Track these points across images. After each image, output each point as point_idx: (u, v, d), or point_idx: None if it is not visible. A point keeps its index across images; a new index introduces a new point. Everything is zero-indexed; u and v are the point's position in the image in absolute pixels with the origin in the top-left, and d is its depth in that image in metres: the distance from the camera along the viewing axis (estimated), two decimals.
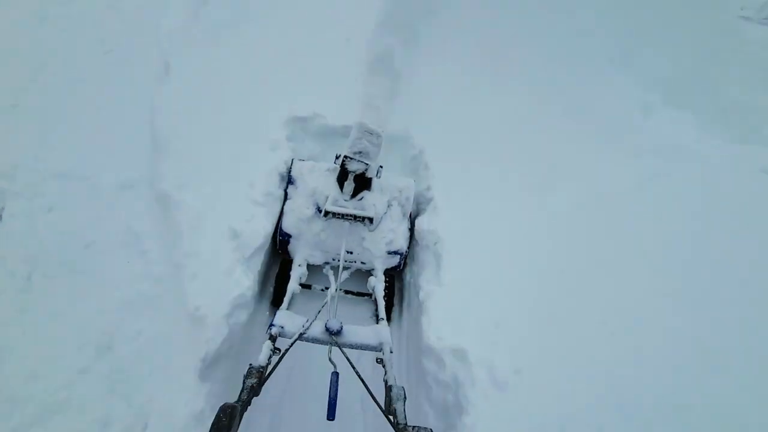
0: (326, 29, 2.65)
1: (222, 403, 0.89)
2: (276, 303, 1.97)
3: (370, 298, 2.06)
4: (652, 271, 1.79)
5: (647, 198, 2.07)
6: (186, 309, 1.60)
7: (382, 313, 1.58)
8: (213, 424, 0.81)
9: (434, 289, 1.73)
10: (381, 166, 1.82)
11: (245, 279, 1.68)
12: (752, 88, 2.73)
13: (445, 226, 1.92)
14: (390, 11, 2.56)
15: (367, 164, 1.75)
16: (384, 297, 1.81)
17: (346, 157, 1.75)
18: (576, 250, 1.86)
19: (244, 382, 1.09)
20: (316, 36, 2.62)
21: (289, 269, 1.93)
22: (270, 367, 1.17)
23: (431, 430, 0.98)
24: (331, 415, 1.20)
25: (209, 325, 1.55)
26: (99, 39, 2.72)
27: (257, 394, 1.07)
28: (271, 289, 2.04)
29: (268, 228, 1.86)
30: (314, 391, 1.68)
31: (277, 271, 2.05)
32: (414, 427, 0.97)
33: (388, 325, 1.62)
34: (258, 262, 1.83)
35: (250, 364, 1.15)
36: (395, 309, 2.11)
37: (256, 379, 1.09)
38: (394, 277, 2.07)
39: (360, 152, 1.74)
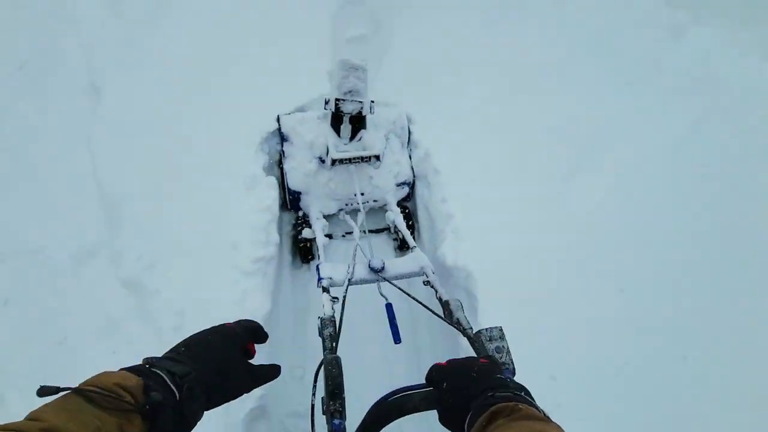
0: None
1: (321, 360, 0.94)
2: (303, 259, 2.03)
3: (388, 232, 2.14)
4: None
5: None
6: None
7: (412, 242, 1.65)
8: (327, 377, 0.86)
9: None
10: (372, 101, 1.77)
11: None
12: None
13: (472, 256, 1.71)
14: None
15: (360, 102, 1.70)
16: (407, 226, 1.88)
17: (337, 99, 1.69)
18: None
19: (321, 335, 1.14)
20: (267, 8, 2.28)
21: (302, 226, 1.96)
22: (337, 315, 1.23)
23: (500, 328, 1.05)
24: (397, 339, 1.31)
25: None
26: (10, 49, 2.24)
27: (337, 341, 1.14)
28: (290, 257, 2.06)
29: (267, 305, 1.55)
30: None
31: (293, 233, 2.06)
32: (486, 328, 1.04)
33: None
34: (262, 353, 1.34)
35: (319, 317, 1.21)
36: None
37: (332, 328, 1.15)
38: (408, 207, 2.12)
39: (350, 91, 1.68)
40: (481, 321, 1.55)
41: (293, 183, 1.90)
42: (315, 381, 0.92)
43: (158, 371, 0.59)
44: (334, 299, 1.31)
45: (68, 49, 2.24)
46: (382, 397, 0.74)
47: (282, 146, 1.95)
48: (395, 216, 1.89)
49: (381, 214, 2.10)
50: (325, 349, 1.08)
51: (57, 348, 1.55)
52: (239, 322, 0.75)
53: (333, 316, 1.20)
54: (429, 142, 2.07)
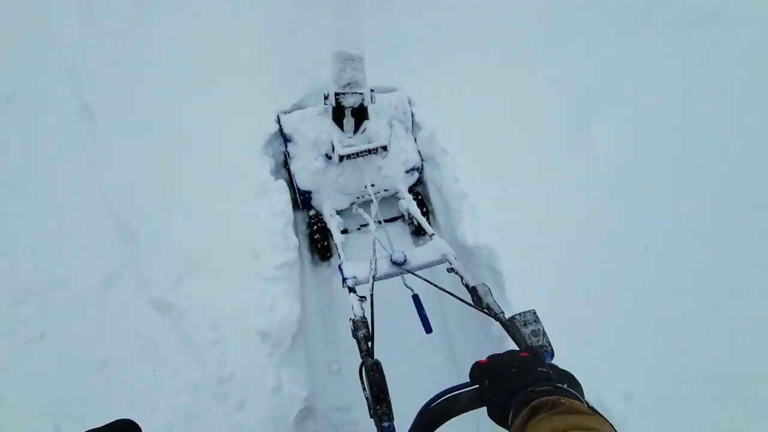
0: None
1: (360, 364, 0.95)
2: (322, 257, 2.03)
3: (403, 219, 2.14)
4: None
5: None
6: None
7: (429, 229, 1.64)
8: (371, 384, 0.87)
9: None
10: (372, 90, 1.73)
11: (298, 389, 1.45)
12: None
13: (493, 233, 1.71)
14: None
15: (360, 93, 1.66)
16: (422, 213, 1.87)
17: (337, 93, 1.66)
18: None
19: (356, 337, 1.15)
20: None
21: (316, 225, 1.96)
22: (367, 314, 1.24)
23: (534, 311, 1.05)
24: (428, 328, 1.32)
25: None
26: None
27: (373, 342, 1.15)
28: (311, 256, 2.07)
29: (296, 310, 1.56)
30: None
31: (308, 231, 2.06)
32: (519, 313, 1.05)
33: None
34: (300, 357, 1.58)
35: (351, 319, 1.22)
36: None
37: (365, 329, 1.17)
38: (420, 193, 2.11)
39: (349, 84, 1.64)
40: (509, 297, 1.56)
41: (302, 183, 1.89)
42: (363, 386, 0.94)
43: None
44: (362, 298, 1.32)
45: (52, 73, 2.18)
46: (429, 400, 0.74)
47: (286, 147, 1.93)
48: (408, 204, 1.88)
49: (393, 202, 2.10)
50: (361, 351, 1.09)
51: (100, 374, 1.58)
52: (110, 424, 0.76)
53: (364, 317, 1.21)
54: (432, 122, 2.04)
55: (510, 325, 1.06)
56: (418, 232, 2.10)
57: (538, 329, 1.03)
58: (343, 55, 1.60)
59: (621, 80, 2.04)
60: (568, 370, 0.72)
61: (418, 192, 2.10)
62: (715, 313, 1.55)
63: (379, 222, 1.76)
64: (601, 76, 2.06)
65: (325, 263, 2.05)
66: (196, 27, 2.21)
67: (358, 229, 2.09)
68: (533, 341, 1.01)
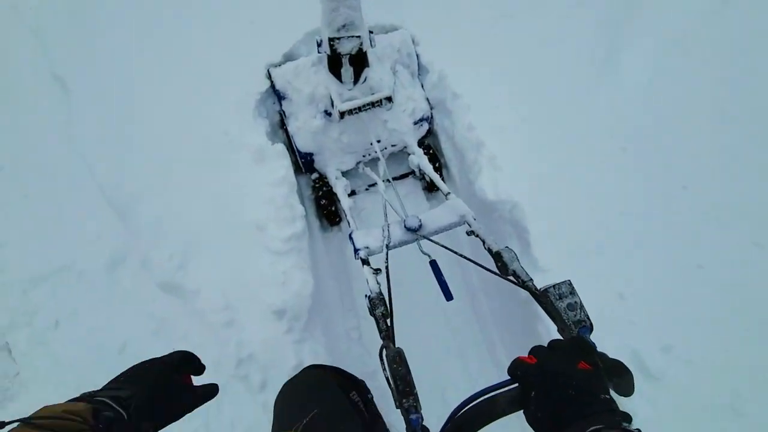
0: None
1: (380, 347, 0.87)
2: (331, 222, 1.93)
3: (413, 175, 1.99)
4: None
5: None
6: None
7: (445, 188, 1.50)
8: (394, 377, 0.79)
9: None
10: (371, 32, 1.51)
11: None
12: None
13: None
14: None
15: (358, 36, 1.45)
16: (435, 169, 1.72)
17: (331, 39, 1.44)
18: None
19: (374, 315, 1.07)
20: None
21: (322, 189, 1.83)
22: (383, 288, 1.15)
23: (569, 282, 0.94)
24: (448, 296, 1.23)
25: None
26: None
27: (392, 320, 1.07)
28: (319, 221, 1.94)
29: (310, 282, 1.48)
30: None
31: (313, 196, 1.94)
32: (553, 285, 0.94)
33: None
34: (318, 330, 1.51)
35: (367, 296, 1.13)
36: None
37: (383, 307, 1.08)
38: (431, 146, 1.94)
39: (344, 26, 1.42)
40: (536, 254, 1.45)
41: (302, 145, 1.74)
42: (383, 368, 0.87)
43: (102, 398, 0.61)
44: (377, 271, 1.22)
45: (19, 38, 2.00)
46: (461, 403, 0.64)
47: (281, 106, 1.75)
48: (419, 160, 1.73)
49: (402, 157, 1.94)
50: (380, 331, 1.01)
51: (121, 356, 1.57)
52: (173, 353, 0.78)
53: (380, 293, 1.12)
54: (441, 62, 1.83)
55: (543, 299, 0.96)
56: (431, 188, 1.96)
57: (575, 302, 0.93)
58: None
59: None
60: (619, 360, 0.62)
61: (429, 145, 1.93)
62: (762, 252, 1.43)
63: (388, 180, 1.62)
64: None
65: (335, 228, 1.95)
66: None
67: (367, 189, 1.96)
68: (569, 316, 0.92)
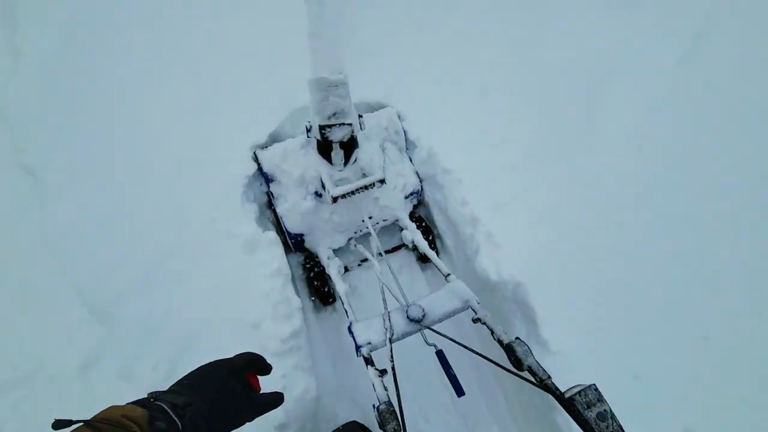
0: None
1: None
2: (324, 302, 1.83)
3: (405, 247, 1.94)
4: None
5: None
6: None
7: (445, 269, 1.45)
8: None
9: None
10: (360, 116, 1.51)
11: None
12: None
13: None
14: None
15: (349, 124, 1.44)
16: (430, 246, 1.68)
17: (321, 127, 1.43)
18: None
19: (384, 430, 0.98)
20: None
21: (313, 270, 1.76)
22: (392, 396, 1.06)
23: (595, 387, 0.90)
24: (460, 391, 1.15)
25: None
26: None
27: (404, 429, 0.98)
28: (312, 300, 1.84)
29: (313, 386, 1.37)
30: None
31: (304, 276, 1.85)
32: (579, 392, 0.88)
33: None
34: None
35: (375, 406, 1.03)
36: None
37: (395, 421, 0.99)
38: (423, 219, 1.91)
39: (335, 114, 1.41)
40: (545, 336, 1.39)
41: (292, 226, 1.68)
42: None
43: (161, 404, 0.62)
44: (382, 373, 1.13)
45: None
46: None
47: (269, 187, 1.70)
48: (413, 235, 1.68)
49: (393, 229, 1.91)
50: None
51: None
52: (240, 355, 0.80)
53: (390, 402, 1.02)
54: (428, 136, 1.82)
55: (570, 407, 0.90)
56: (425, 258, 1.92)
57: (605, 411, 0.88)
58: (324, 82, 1.36)
59: (620, 64, 1.90)
60: None
61: (420, 217, 1.90)
62: (764, 320, 1.43)
63: (381, 254, 1.56)
64: (599, 62, 1.91)
65: (330, 308, 1.85)
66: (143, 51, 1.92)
67: (359, 264, 1.90)
68: (601, 428, 0.86)
